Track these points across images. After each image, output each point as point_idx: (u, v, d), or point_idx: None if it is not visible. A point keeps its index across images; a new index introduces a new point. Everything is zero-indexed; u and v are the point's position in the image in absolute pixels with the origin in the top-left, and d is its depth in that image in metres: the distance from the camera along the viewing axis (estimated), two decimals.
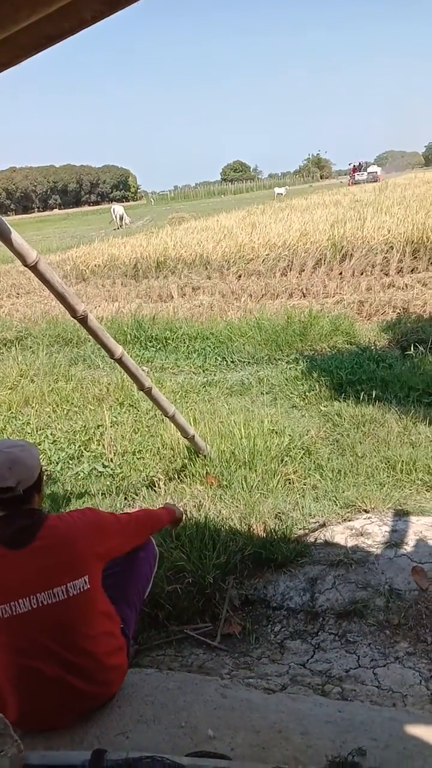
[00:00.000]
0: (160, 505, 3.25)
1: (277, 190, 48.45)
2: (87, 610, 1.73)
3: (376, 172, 55.64)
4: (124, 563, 2.14)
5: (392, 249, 9.57)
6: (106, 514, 1.99)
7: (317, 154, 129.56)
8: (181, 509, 2.80)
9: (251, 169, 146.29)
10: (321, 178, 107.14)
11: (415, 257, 9.36)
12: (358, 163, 61.79)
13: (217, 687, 1.99)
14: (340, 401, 4.61)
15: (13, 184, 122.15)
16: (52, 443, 4.42)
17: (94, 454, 4.18)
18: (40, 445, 4.35)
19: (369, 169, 57.88)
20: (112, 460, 4.04)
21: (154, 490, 3.56)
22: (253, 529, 2.99)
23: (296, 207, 20.77)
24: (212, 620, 2.56)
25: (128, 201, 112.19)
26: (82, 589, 1.69)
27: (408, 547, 2.77)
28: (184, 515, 2.93)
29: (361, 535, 2.93)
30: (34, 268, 2.19)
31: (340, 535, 2.96)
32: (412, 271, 9.05)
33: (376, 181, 46.36)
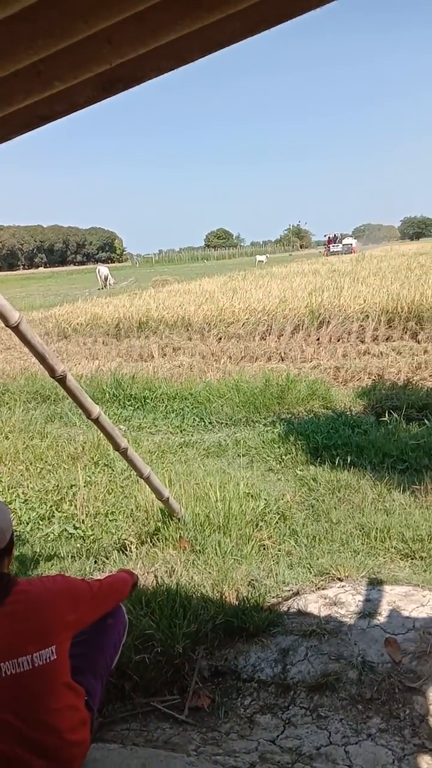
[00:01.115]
0: (131, 569, 3.19)
1: (258, 257, 50.28)
2: (52, 682, 1.65)
3: (351, 244, 57.26)
4: (92, 631, 2.07)
5: (368, 318, 9.87)
6: (78, 580, 1.95)
7: (297, 225, 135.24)
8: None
9: (234, 237, 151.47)
10: (300, 247, 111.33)
11: (390, 326, 9.66)
12: (333, 235, 63.75)
13: (184, 765, 1.91)
14: (316, 465, 4.64)
15: (0, 242, 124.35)
16: (24, 502, 4.33)
17: (65, 514, 4.10)
18: (10, 504, 4.26)
19: (344, 241, 59.86)
20: (83, 522, 3.96)
21: (126, 554, 3.49)
22: (226, 597, 2.93)
23: (276, 274, 21.43)
24: (180, 692, 2.46)
25: (113, 262, 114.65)
26: (48, 660, 1.62)
27: (381, 618, 2.74)
28: (155, 579, 2.87)
29: (335, 604, 2.89)
30: (15, 329, 2.23)
31: (313, 604, 2.92)
32: (386, 339, 9.32)
33: (351, 253, 47.60)
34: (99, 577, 2.28)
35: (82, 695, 1.82)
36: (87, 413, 2.72)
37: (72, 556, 3.57)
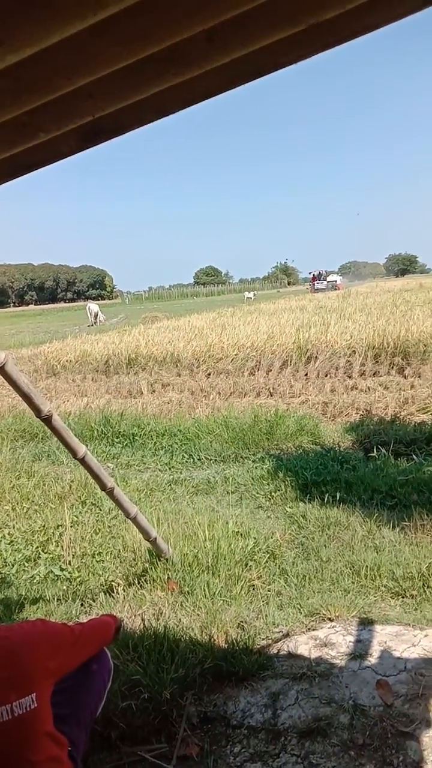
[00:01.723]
0: (116, 613, 3.13)
1: (246, 294, 51.01)
2: (32, 733, 1.59)
3: (336, 281, 56.89)
4: (76, 677, 2.01)
5: (355, 353, 9.97)
6: (58, 624, 1.90)
7: (285, 263, 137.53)
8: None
9: (222, 274, 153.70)
10: (288, 284, 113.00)
11: (377, 361, 9.75)
12: (318, 272, 62.94)
13: None
14: (305, 502, 4.61)
15: None
16: (9, 543, 4.25)
17: (51, 555, 4.02)
18: None
19: (329, 278, 59.17)
20: (70, 563, 3.89)
21: (112, 596, 3.41)
22: (215, 640, 2.87)
23: (264, 311, 21.69)
24: (168, 740, 2.39)
25: (104, 299, 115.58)
26: (28, 708, 1.57)
27: (372, 659, 2.69)
28: (142, 622, 2.81)
29: (325, 645, 2.84)
30: (2, 370, 2.23)
31: (303, 645, 2.86)
32: (374, 374, 9.39)
33: (336, 290, 46.75)
34: (81, 621, 2.22)
35: (65, 745, 1.75)
36: (73, 453, 2.70)
37: (58, 599, 3.49)
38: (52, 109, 1.17)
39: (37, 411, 2.43)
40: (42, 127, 1.21)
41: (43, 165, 1.41)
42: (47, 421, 2.47)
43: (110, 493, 3.01)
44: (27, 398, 2.36)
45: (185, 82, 1.15)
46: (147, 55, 1.02)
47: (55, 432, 2.55)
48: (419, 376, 8.84)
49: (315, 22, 0.97)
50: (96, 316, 30.87)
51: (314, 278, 61.22)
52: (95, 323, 29.99)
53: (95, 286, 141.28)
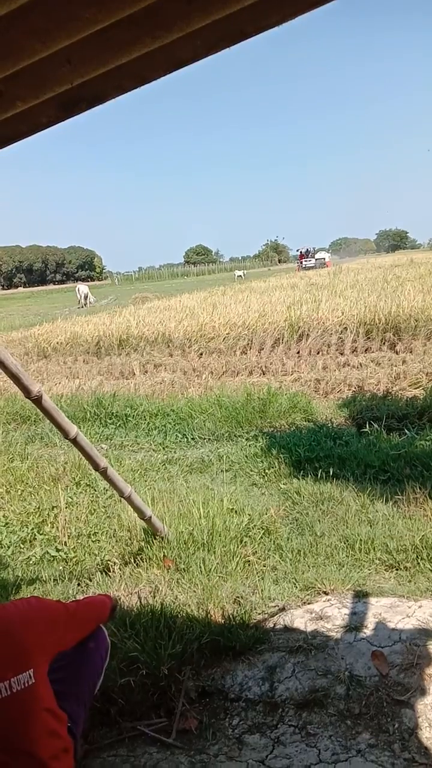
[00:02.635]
0: (113, 592, 3.15)
1: (236, 272, 50.49)
2: (31, 708, 1.60)
3: (324, 258, 53.89)
4: (73, 655, 2.02)
5: (346, 330, 9.95)
6: (53, 602, 1.91)
7: (275, 240, 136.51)
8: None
9: (213, 253, 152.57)
10: (279, 262, 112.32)
11: (369, 337, 9.74)
12: (305, 249, 60.51)
13: None
14: (299, 478, 4.63)
15: None
16: (4, 526, 4.25)
17: (47, 537, 4.03)
18: None
19: (317, 255, 56.40)
20: (65, 544, 3.90)
21: (109, 576, 3.43)
22: (211, 615, 2.89)
23: (255, 289, 21.57)
24: (167, 714, 2.42)
25: (93, 281, 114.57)
26: (26, 685, 1.58)
27: (368, 631, 2.72)
28: (138, 600, 2.83)
29: (321, 618, 2.87)
30: None
31: (299, 619, 2.89)
32: (365, 350, 9.39)
33: (325, 267, 44.60)
34: (77, 599, 2.23)
35: (64, 721, 1.77)
36: (64, 433, 2.68)
37: (54, 580, 3.51)
38: (29, 76, 1.13)
39: (26, 391, 2.41)
40: (19, 96, 1.17)
41: (22, 137, 1.36)
42: (37, 401, 2.45)
43: (103, 472, 3.00)
44: (15, 379, 2.34)
45: (166, 47, 1.11)
46: (124, 17, 0.98)
47: (46, 412, 2.53)
48: (410, 352, 8.84)
49: None
50: (86, 297, 30.67)
51: (302, 255, 58.87)
52: (85, 305, 29.79)
53: (84, 267, 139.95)
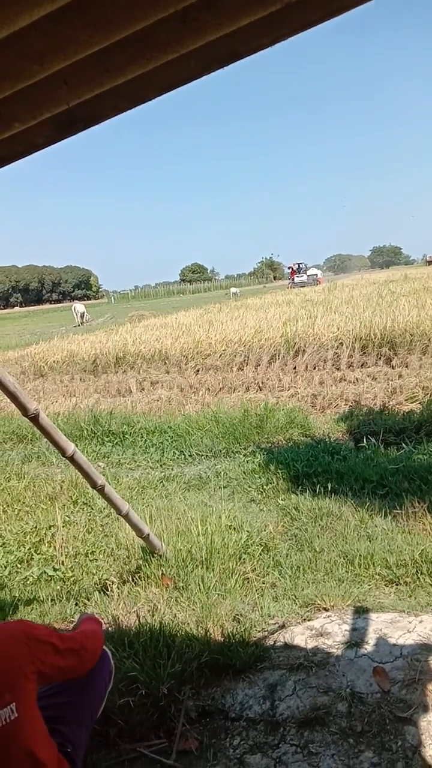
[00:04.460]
0: (112, 611, 3.11)
1: (232, 290, 50.61)
2: (7, 747, 1.46)
3: (316, 275, 52.47)
4: (75, 678, 1.98)
5: (342, 345, 10.00)
6: (41, 627, 1.82)
7: (270, 257, 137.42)
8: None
9: (208, 271, 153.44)
10: (274, 279, 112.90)
11: (364, 352, 9.79)
12: (297, 266, 58.21)
13: None
14: (297, 494, 4.61)
15: None
16: (1, 546, 4.21)
17: (44, 556, 3.99)
18: None
19: (309, 272, 54.66)
20: (63, 563, 3.86)
21: (107, 595, 3.40)
22: (210, 634, 2.86)
23: (251, 306, 21.68)
24: (167, 735, 2.38)
25: (90, 299, 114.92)
26: (7, 720, 1.44)
27: (368, 647, 2.70)
28: (137, 619, 2.78)
29: (321, 635, 2.84)
30: None
31: (300, 636, 2.86)
32: (362, 365, 9.42)
33: (316, 284, 43.21)
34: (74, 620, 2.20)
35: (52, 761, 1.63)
36: (62, 451, 2.68)
37: (52, 599, 3.47)
38: (26, 97, 1.15)
39: (23, 410, 2.41)
40: (16, 117, 1.19)
41: (18, 157, 1.38)
42: (34, 419, 2.45)
43: (101, 490, 2.99)
44: (12, 397, 2.34)
45: (160, 67, 1.14)
46: (120, 39, 1.00)
47: (43, 430, 2.52)
48: (406, 366, 8.88)
49: (291, 0, 0.96)
50: (82, 316, 30.79)
51: (293, 272, 56.75)
52: (82, 323, 29.88)
53: (81, 286, 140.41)
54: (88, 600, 3.41)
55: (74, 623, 2.34)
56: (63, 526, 4.26)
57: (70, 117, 1.28)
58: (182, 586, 3.30)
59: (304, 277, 51.55)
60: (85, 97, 1.20)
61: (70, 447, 2.70)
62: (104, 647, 2.18)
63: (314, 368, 9.63)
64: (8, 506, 4.92)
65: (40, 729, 1.60)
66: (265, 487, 4.90)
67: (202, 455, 6.14)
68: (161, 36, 1.04)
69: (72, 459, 2.75)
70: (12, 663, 1.54)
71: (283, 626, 2.97)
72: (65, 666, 1.78)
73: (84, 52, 1.02)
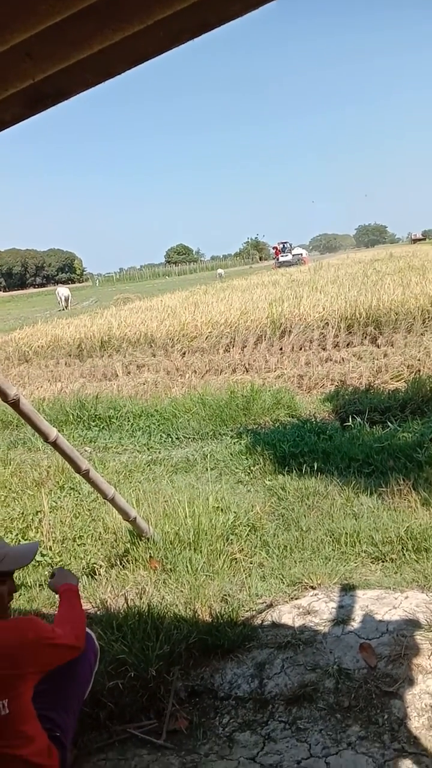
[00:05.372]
0: (100, 594, 3.11)
1: (219, 271, 50.25)
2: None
3: (302, 254, 52.07)
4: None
5: (328, 325, 10.00)
6: (46, 627, 1.82)
7: (255, 238, 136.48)
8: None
9: (194, 252, 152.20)
10: (260, 259, 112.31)
11: (350, 332, 9.80)
12: (282, 245, 57.18)
13: None
14: (284, 474, 4.63)
15: None
16: None
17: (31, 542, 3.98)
18: None
19: (294, 251, 54.08)
20: (50, 548, 3.86)
21: (95, 579, 3.40)
22: (199, 615, 2.88)
23: (237, 287, 21.57)
24: (157, 716, 2.41)
25: (74, 283, 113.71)
26: None
27: (355, 624, 2.73)
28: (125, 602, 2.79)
29: (309, 613, 2.87)
30: None
31: (287, 614, 2.89)
32: (347, 345, 9.44)
33: (302, 264, 42.95)
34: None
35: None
36: (44, 436, 2.65)
37: (39, 585, 3.47)
38: None
39: (3, 395, 2.37)
40: None
41: None
42: (15, 405, 2.42)
43: (86, 475, 2.98)
44: None
45: (128, 39, 1.09)
46: (82, 9, 0.95)
47: (24, 416, 2.50)
48: (392, 345, 8.91)
49: None
50: (66, 300, 30.49)
51: (278, 251, 55.99)
52: (66, 307, 29.61)
53: (65, 269, 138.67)
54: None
55: (51, 582, 2.32)
56: (50, 512, 4.25)
57: (37, 93, 1.24)
58: (170, 568, 3.31)
59: (289, 256, 51.11)
60: (51, 71, 1.15)
61: (53, 432, 2.68)
62: (87, 630, 2.18)
63: (300, 349, 9.63)
64: None
65: (32, 724, 1.65)
66: (252, 468, 4.92)
67: (189, 438, 6.13)
68: (127, 6, 1.00)
69: (55, 444, 2.73)
70: (14, 667, 1.59)
71: (270, 605, 2.99)
72: (61, 660, 1.86)
73: (45, 23, 0.98)
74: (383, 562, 3.28)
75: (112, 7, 1.00)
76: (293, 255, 52.00)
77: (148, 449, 5.99)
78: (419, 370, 7.27)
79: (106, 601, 3.10)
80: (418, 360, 7.61)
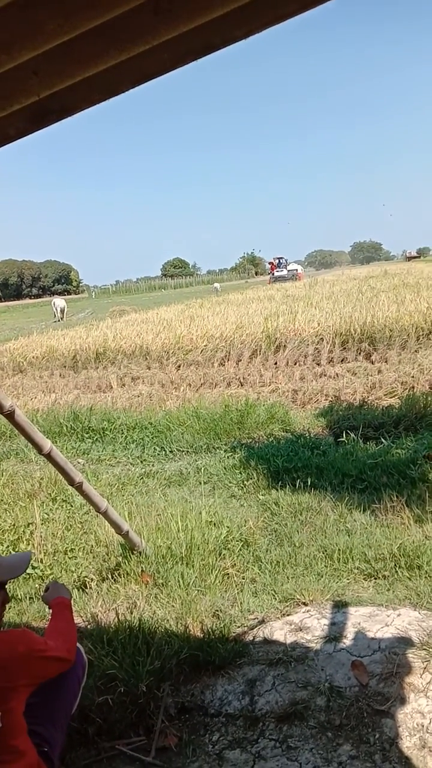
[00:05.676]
0: (91, 608, 3.09)
1: (215, 285, 50.41)
2: None
3: (297, 270, 51.20)
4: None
5: (322, 340, 10.05)
6: (38, 639, 1.82)
7: (252, 253, 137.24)
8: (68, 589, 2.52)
9: (190, 266, 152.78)
10: (256, 274, 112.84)
11: (344, 348, 9.85)
12: (277, 261, 56.48)
13: None
14: (277, 489, 4.63)
15: None
16: None
17: None
18: None
19: (289, 267, 53.10)
20: (41, 561, 3.83)
21: (86, 592, 3.38)
22: (190, 630, 2.86)
23: (232, 301, 21.66)
24: (147, 732, 2.38)
25: (70, 294, 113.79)
26: None
27: (347, 641, 2.72)
28: (116, 616, 2.76)
29: (300, 630, 2.85)
30: None
31: (279, 631, 2.87)
32: (342, 361, 9.48)
33: (296, 280, 42.29)
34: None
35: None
36: (38, 448, 2.65)
37: (30, 598, 3.44)
38: None
39: None
40: None
41: None
42: (10, 416, 2.41)
43: (79, 488, 2.97)
44: None
45: (133, 59, 1.11)
46: (90, 28, 0.98)
47: (19, 428, 2.49)
48: (386, 361, 8.95)
49: None
50: (62, 311, 30.53)
51: (273, 266, 55.19)
52: (62, 319, 29.63)
53: (61, 281, 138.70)
54: None
55: (44, 595, 2.31)
56: (42, 524, 4.22)
57: (41, 109, 1.26)
58: (162, 583, 3.29)
59: (284, 272, 50.66)
60: (57, 89, 1.17)
61: (47, 444, 2.67)
62: (78, 644, 2.16)
63: (295, 364, 9.66)
64: None
65: (23, 738, 1.64)
66: (245, 482, 4.91)
67: (183, 451, 6.12)
68: (133, 27, 1.02)
69: (49, 456, 2.72)
70: (7, 680, 1.59)
71: (262, 621, 2.97)
72: (53, 673, 1.85)
73: (53, 42, 1.00)
74: (376, 579, 3.27)
75: (118, 28, 1.03)
76: (288, 270, 51.44)
77: (141, 462, 5.97)
78: (413, 387, 7.31)
79: (97, 615, 3.08)
80: (412, 377, 7.65)
